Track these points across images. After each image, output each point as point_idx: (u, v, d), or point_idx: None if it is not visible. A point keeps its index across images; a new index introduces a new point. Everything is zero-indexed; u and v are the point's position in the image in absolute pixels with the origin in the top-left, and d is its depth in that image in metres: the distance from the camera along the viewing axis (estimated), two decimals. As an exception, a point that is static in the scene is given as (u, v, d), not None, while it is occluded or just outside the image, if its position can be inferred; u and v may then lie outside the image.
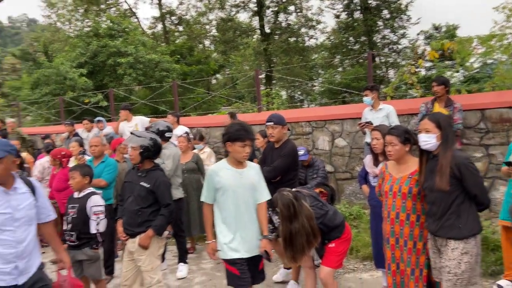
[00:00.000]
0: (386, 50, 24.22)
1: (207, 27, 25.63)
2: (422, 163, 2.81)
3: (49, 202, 2.93)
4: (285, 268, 4.43)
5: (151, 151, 3.50)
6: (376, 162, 3.82)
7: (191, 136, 6.13)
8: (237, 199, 2.99)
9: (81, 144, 5.48)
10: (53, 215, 2.91)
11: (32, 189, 2.71)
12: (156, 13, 27.05)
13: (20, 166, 4.50)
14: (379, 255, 3.69)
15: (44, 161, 5.83)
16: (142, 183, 3.44)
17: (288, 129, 4.06)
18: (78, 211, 3.64)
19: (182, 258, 4.97)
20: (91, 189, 3.81)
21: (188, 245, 5.68)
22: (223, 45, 24.22)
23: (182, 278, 4.76)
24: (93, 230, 3.59)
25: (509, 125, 5.07)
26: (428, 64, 20.46)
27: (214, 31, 25.88)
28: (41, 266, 2.75)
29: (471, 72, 8.92)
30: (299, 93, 26.47)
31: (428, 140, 2.67)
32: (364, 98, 5.59)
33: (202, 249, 5.75)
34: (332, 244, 3.34)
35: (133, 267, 3.54)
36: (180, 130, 6.68)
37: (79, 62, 15.90)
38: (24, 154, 6.47)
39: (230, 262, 3.01)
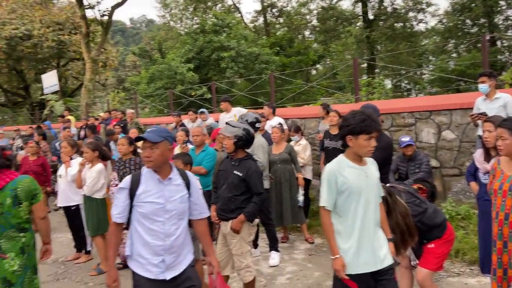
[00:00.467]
0: (510, 32, 21.31)
1: (308, 17, 25.44)
2: None
3: (203, 199, 2.76)
4: None
5: (244, 141, 3.62)
6: (487, 157, 3.46)
7: (284, 127, 6.19)
8: (366, 203, 2.53)
9: (186, 134, 5.89)
10: (206, 213, 2.76)
11: (187, 183, 2.60)
12: (258, 6, 27.70)
13: (135, 152, 5.02)
14: (486, 259, 3.33)
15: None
16: (235, 172, 3.58)
17: (382, 121, 3.84)
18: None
19: (274, 246, 5.06)
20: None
21: (281, 235, 5.79)
22: (323, 34, 23.82)
23: (274, 266, 4.87)
24: None
25: None
26: None
27: (314, 21, 25.60)
28: (192, 263, 2.64)
29: None
30: (406, 82, 24.85)
31: None
32: (480, 85, 4.98)
33: (295, 239, 5.80)
34: (432, 244, 3.10)
35: (226, 250, 3.73)
36: (275, 121, 6.78)
37: (187, 58, 17.08)
38: (141, 143, 7.20)
39: (354, 277, 2.54)
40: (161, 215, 2.45)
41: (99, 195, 4.95)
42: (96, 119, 12.03)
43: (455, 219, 5.19)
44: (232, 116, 7.99)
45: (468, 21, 22.06)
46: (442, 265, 3.22)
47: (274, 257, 4.98)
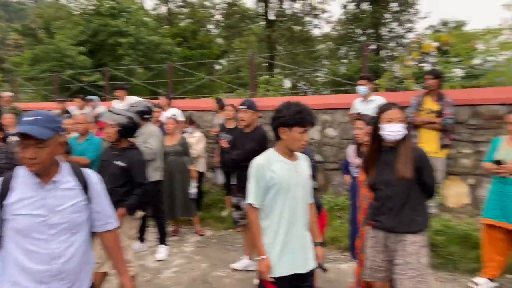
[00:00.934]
0: (392, 44, 23.92)
1: (212, 11, 25.36)
2: (375, 156, 2.67)
3: (110, 203, 2.17)
4: (250, 258, 4.39)
5: (128, 129, 3.45)
6: (358, 152, 3.78)
7: (179, 118, 6.09)
8: (293, 201, 2.37)
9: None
10: (114, 223, 2.17)
11: (84, 185, 1.99)
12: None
13: (3, 139, 4.45)
14: (354, 245, 3.66)
15: None
16: (116, 162, 3.40)
17: (260, 116, 4.02)
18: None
19: (162, 240, 4.96)
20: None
21: (172, 228, 5.69)
22: (226, 30, 23.99)
23: (160, 260, 4.76)
24: None
25: (500, 123, 4.98)
26: (433, 60, 20.28)
27: (218, 16, 25.63)
28: None
29: (470, 68, 8.78)
30: (303, 83, 26.30)
31: (401, 130, 2.59)
32: (359, 88, 5.49)
33: (186, 232, 5.74)
34: None
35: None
36: (170, 112, 6.64)
37: (80, 40, 15.79)
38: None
39: (275, 280, 2.35)
40: (44, 231, 1.85)
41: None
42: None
43: (333, 210, 5.65)
44: (125, 106, 7.60)
45: (358, 30, 24.15)
46: None
47: (162, 251, 4.87)
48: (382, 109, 2.63)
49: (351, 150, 3.86)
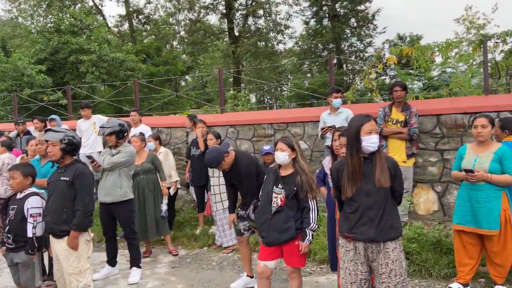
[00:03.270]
0: (353, 57, 24.72)
1: (176, 27, 25.29)
2: (360, 168, 2.65)
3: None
4: (248, 275, 4.31)
5: (71, 146, 3.48)
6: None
7: (146, 136, 5.95)
8: None
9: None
10: None
11: None
12: (123, 11, 26.42)
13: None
14: (334, 257, 3.66)
15: (5, 157, 5.52)
16: (61, 178, 3.40)
17: (233, 150, 4.05)
18: (16, 213, 3.42)
19: (135, 262, 4.75)
20: (32, 190, 3.58)
21: (144, 249, 5.50)
22: (191, 46, 23.96)
23: (133, 284, 4.56)
24: (29, 233, 3.39)
25: (463, 131, 5.20)
26: (392, 73, 21.07)
27: (182, 32, 25.59)
28: None
29: (430, 80, 9.18)
30: (268, 97, 26.56)
31: (377, 141, 2.64)
32: (335, 100, 5.52)
33: (158, 253, 5.56)
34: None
35: (61, 268, 3.43)
36: (140, 129, 6.50)
37: (39, 59, 15.23)
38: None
39: None
40: None
41: None
42: None
43: (308, 222, 5.64)
44: (91, 124, 7.38)
45: (320, 45, 24.79)
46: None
47: (134, 274, 4.67)
48: (362, 121, 2.66)
49: (327, 161, 3.88)
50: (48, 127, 7.40)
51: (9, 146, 5.75)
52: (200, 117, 6.65)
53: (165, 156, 5.88)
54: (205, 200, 6.08)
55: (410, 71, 10.28)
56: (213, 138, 5.41)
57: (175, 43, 26.77)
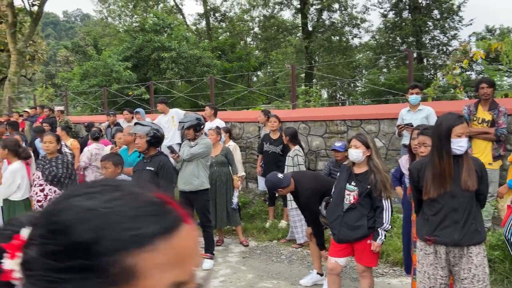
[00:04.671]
0: (435, 51, 23.24)
1: (250, 24, 25.74)
2: (450, 170, 2.54)
3: None
4: (318, 273, 4.33)
5: (155, 138, 3.75)
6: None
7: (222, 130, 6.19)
8: None
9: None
10: None
11: None
12: (201, 9, 27.52)
13: (59, 151, 4.71)
14: (408, 260, 3.56)
15: (92, 147, 6.08)
16: (147, 167, 3.67)
17: (293, 178, 3.97)
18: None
19: (209, 250, 5.01)
20: (122, 177, 3.94)
21: (216, 238, 5.75)
22: (264, 42, 24.24)
23: (207, 270, 4.81)
24: None
25: (561, 132, 4.71)
26: (478, 68, 19.48)
27: (256, 29, 25.97)
28: None
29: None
30: (341, 93, 26.04)
31: (466, 145, 2.53)
32: (411, 97, 5.31)
33: (230, 242, 5.79)
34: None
35: None
36: (215, 123, 6.77)
37: (125, 56, 16.46)
38: (70, 141, 6.80)
39: None
40: None
41: (16, 197, 4.56)
42: (21, 115, 11.16)
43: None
44: (169, 118, 7.84)
45: (398, 38, 23.67)
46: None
47: (208, 261, 4.92)
48: (454, 122, 2.54)
49: (404, 161, 3.76)
50: (134, 119, 8.03)
51: (96, 137, 6.28)
52: (279, 112, 6.75)
53: (233, 150, 6.08)
54: (276, 195, 6.19)
55: (499, 67, 9.45)
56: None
57: (248, 39, 27.26)
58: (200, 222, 5.04)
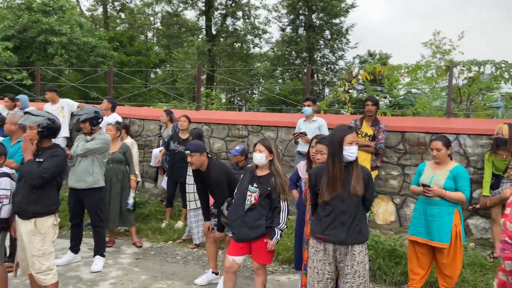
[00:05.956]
0: (324, 68, 25.40)
1: (152, 18, 24.94)
2: (341, 175, 2.84)
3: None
4: (213, 272, 4.40)
5: (49, 130, 3.47)
6: (310, 169, 3.97)
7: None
8: None
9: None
10: None
11: None
12: (98, -5, 25.71)
13: None
14: (299, 257, 3.84)
15: None
16: (36, 160, 3.37)
17: (209, 156, 4.09)
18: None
19: (99, 251, 4.74)
20: (3, 170, 3.52)
21: (107, 239, 5.45)
22: (166, 39, 23.71)
23: (96, 272, 4.54)
24: None
25: (424, 148, 5.57)
26: (360, 87, 21.85)
27: (158, 24, 25.27)
28: None
29: (397, 98, 9.66)
30: (238, 98, 26.71)
31: (356, 152, 2.86)
32: (305, 108, 5.78)
33: (122, 243, 5.54)
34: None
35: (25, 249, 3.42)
36: (112, 118, 6.42)
37: (6, 35, 14.59)
38: None
39: None
40: None
41: None
42: None
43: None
44: (59, 108, 7.21)
45: (294, 53, 25.29)
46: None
47: (98, 263, 4.65)
48: (345, 132, 2.86)
49: (302, 166, 4.05)
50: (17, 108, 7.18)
51: None
52: (182, 112, 6.68)
53: (131, 147, 5.86)
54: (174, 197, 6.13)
55: (378, 88, 10.78)
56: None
57: (149, 34, 26.38)
58: (92, 222, 4.75)
